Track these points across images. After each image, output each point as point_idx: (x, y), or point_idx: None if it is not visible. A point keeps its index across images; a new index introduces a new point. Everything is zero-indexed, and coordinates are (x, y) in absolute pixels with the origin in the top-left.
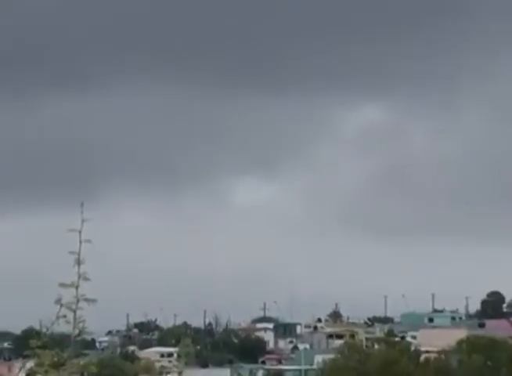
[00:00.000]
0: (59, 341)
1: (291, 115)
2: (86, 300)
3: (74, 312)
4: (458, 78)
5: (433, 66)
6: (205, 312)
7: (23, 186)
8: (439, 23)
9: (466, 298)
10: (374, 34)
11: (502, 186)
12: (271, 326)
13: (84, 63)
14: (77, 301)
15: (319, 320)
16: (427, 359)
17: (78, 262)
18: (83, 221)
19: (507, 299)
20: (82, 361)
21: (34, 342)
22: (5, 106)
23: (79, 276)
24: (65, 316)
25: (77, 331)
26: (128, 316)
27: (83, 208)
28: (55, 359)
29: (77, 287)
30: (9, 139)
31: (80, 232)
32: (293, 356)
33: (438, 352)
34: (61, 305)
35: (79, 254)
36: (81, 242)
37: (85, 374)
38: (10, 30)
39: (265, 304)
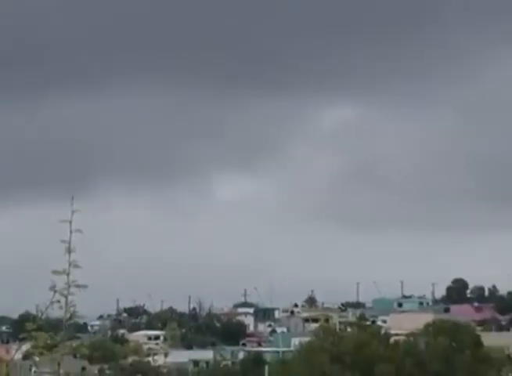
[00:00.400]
0: (54, 325)
1: (270, 115)
2: (77, 286)
3: (66, 297)
4: (427, 81)
5: (405, 69)
6: (189, 298)
7: (24, 183)
8: (408, 29)
9: (433, 285)
10: (350, 37)
11: (465, 182)
12: (251, 311)
13: (84, 64)
14: (69, 286)
15: (296, 306)
16: (396, 342)
17: (69, 250)
18: (73, 212)
19: (470, 286)
20: (75, 343)
21: (29, 326)
22: (6, 106)
23: (69, 264)
24: (58, 301)
25: (68, 315)
26: (118, 301)
27: (73, 201)
28: (49, 341)
29: (68, 274)
30: (9, 138)
31: (70, 222)
32: (271, 338)
33: (407, 335)
34: (55, 292)
35: (69, 243)
36: (71, 232)
37: (78, 355)
38: (10, 30)
39: (245, 290)
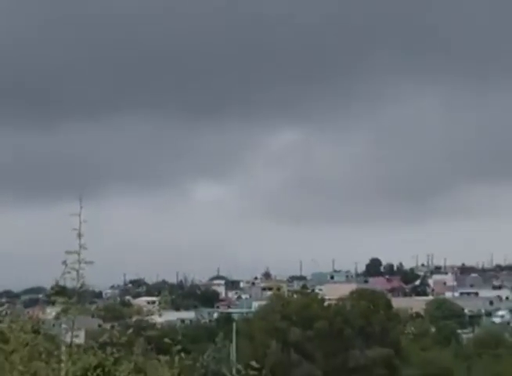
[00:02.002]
0: (73, 293)
1: (232, 138)
2: (86, 262)
3: (77, 271)
4: (347, 113)
5: (331, 103)
6: (177, 273)
7: (44, 189)
8: (335, 71)
9: (356, 263)
10: (292, 75)
11: (376, 188)
12: (223, 282)
13: (90, 99)
14: (79, 263)
15: (256, 278)
16: (329, 305)
17: (79, 235)
18: (81, 207)
19: (383, 263)
20: (92, 307)
21: (55, 295)
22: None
23: (80, 246)
24: (69, 273)
25: (79, 285)
26: (124, 275)
27: (82, 201)
28: (66, 305)
29: (78, 254)
30: (32, 153)
31: (79, 215)
32: (237, 303)
33: (337, 300)
34: (66, 265)
35: (79, 230)
36: (80, 222)
37: (95, 315)
38: (29, 60)
39: (218, 268)
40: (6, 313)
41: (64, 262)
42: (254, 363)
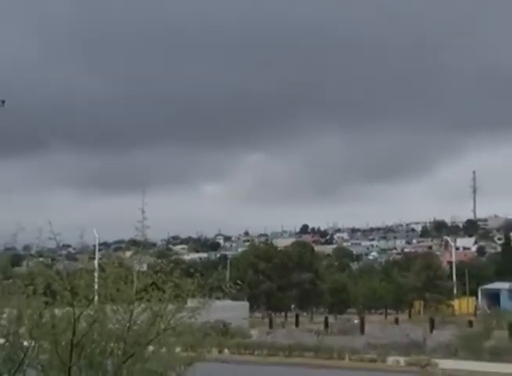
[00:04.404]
0: (140, 243)
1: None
2: (147, 227)
3: (142, 231)
4: (287, 145)
5: (278, 134)
6: (197, 231)
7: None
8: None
9: (294, 227)
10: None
11: (309, 188)
12: (222, 237)
13: (117, 132)
14: (143, 228)
15: (240, 235)
16: (280, 250)
17: (143, 213)
18: (143, 197)
19: (310, 227)
20: (150, 251)
21: (131, 244)
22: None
23: (143, 222)
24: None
25: (144, 238)
26: (168, 233)
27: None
28: (136, 250)
29: (143, 223)
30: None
31: (143, 200)
32: (230, 249)
33: (284, 247)
34: (136, 229)
35: (143, 213)
36: (143, 211)
37: (152, 255)
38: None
39: (219, 229)
40: (103, 256)
41: (136, 228)
42: (238, 281)
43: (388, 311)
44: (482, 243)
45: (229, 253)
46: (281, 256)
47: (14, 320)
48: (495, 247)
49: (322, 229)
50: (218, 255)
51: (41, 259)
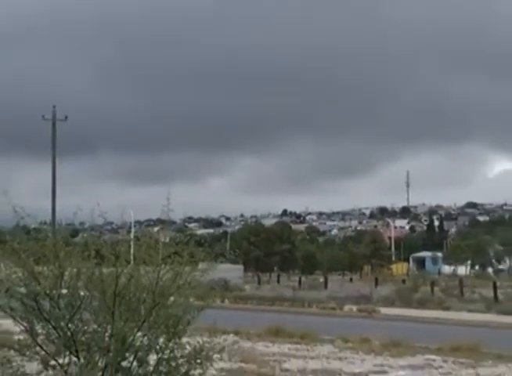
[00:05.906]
0: (164, 221)
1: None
2: (170, 210)
3: (167, 213)
4: (260, 156)
5: (251, 151)
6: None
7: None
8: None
9: (277, 211)
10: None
11: (284, 179)
12: (224, 218)
13: (147, 140)
14: (168, 211)
15: (237, 216)
16: (266, 228)
17: (168, 201)
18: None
19: (288, 211)
20: (172, 227)
21: (158, 222)
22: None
23: (168, 206)
24: (164, 212)
25: (167, 218)
26: (185, 213)
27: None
28: (162, 226)
29: (168, 207)
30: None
31: (168, 191)
32: (230, 226)
33: (270, 226)
34: (163, 211)
35: (168, 206)
36: (168, 207)
37: (173, 230)
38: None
39: (222, 213)
40: (137, 231)
41: (162, 210)
42: (236, 250)
43: (345, 273)
44: (413, 223)
45: (229, 229)
46: (267, 232)
47: (74, 276)
48: (422, 226)
49: (297, 212)
50: (221, 231)
51: (92, 232)
